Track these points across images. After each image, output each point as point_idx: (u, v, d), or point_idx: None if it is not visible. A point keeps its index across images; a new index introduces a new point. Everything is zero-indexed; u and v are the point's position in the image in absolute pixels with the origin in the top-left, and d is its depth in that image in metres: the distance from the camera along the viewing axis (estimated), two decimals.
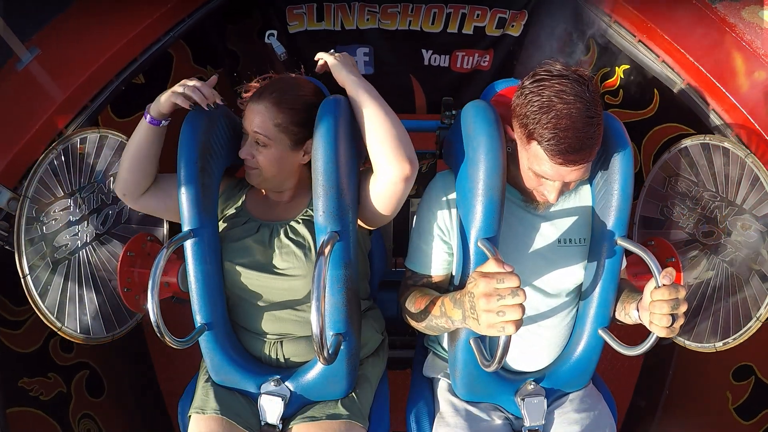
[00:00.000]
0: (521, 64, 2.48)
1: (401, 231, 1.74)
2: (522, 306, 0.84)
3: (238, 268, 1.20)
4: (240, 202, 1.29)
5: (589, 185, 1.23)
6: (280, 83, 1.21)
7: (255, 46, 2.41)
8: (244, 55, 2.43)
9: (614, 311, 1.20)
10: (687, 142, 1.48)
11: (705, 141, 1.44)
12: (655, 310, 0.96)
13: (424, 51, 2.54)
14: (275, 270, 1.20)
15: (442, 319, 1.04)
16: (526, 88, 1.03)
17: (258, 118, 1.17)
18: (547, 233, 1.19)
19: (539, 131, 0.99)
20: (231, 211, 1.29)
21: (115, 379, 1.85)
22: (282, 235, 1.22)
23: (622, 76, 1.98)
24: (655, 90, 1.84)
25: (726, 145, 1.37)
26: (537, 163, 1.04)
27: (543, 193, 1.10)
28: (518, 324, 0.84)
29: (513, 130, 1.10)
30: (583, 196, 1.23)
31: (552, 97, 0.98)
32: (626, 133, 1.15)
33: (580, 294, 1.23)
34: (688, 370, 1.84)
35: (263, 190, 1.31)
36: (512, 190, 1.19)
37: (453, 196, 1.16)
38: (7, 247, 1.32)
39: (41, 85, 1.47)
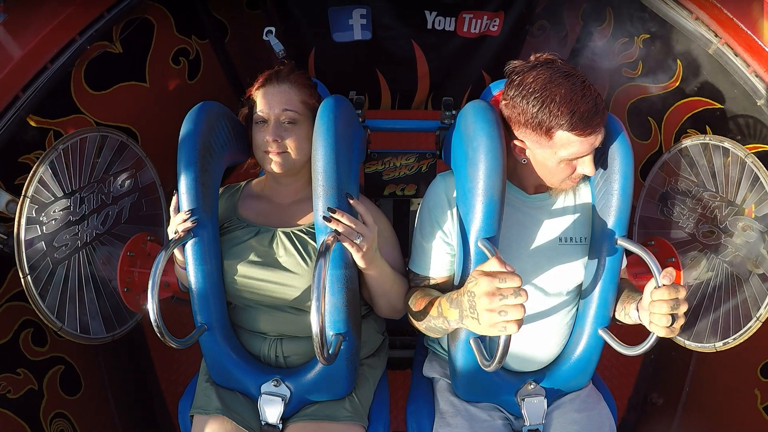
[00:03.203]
0: (535, 30, 2.23)
1: (401, 231, 1.74)
2: (524, 306, 0.84)
3: (238, 268, 1.20)
4: (231, 210, 1.29)
5: (588, 184, 1.23)
6: (289, 65, 1.27)
7: (243, 16, 2.24)
8: (231, 25, 2.25)
9: (614, 311, 1.20)
10: (687, 142, 1.48)
11: (705, 141, 1.44)
12: (654, 310, 0.96)
13: (427, 13, 2.27)
14: (276, 271, 1.20)
15: (439, 320, 1.04)
16: (515, 97, 1.05)
17: (284, 97, 1.20)
18: (548, 231, 1.19)
19: (555, 120, 1.01)
20: (224, 217, 1.29)
21: (95, 374, 1.76)
22: (285, 241, 1.21)
23: (642, 47, 1.83)
24: (678, 61, 1.69)
25: (726, 145, 1.37)
26: (567, 148, 1.04)
27: (576, 178, 1.12)
28: (519, 324, 0.85)
29: (520, 141, 1.10)
30: (583, 195, 1.23)
31: (544, 88, 1.01)
32: (626, 132, 1.15)
33: (580, 293, 1.23)
34: (710, 364, 1.74)
35: (261, 195, 1.31)
36: (514, 188, 1.20)
37: (454, 196, 1.16)
38: (6, 251, 1.29)
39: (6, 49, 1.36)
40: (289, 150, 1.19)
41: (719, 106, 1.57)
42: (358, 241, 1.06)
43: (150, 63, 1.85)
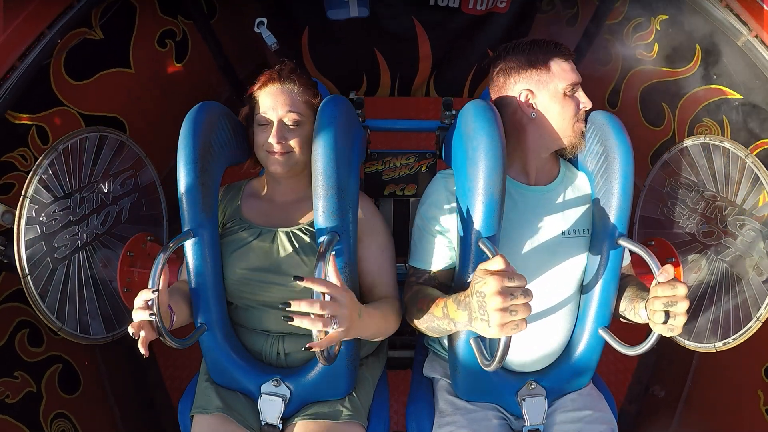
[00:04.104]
0: (544, 6, 2.13)
1: (401, 231, 1.74)
2: (530, 304, 0.84)
3: (240, 270, 1.20)
4: (234, 210, 1.29)
5: (588, 181, 1.23)
6: (288, 65, 1.25)
7: None
8: (221, 3, 2.12)
9: (616, 310, 1.20)
10: (687, 142, 1.48)
11: (705, 141, 1.44)
12: (649, 307, 0.96)
13: None
14: (277, 272, 1.20)
15: (444, 321, 1.03)
16: (506, 56, 1.21)
17: (288, 99, 1.19)
18: (552, 225, 1.19)
19: (546, 53, 1.17)
20: (227, 218, 1.28)
21: (93, 372, 1.73)
22: (285, 241, 1.21)
23: (659, 28, 1.75)
24: (698, 46, 1.61)
25: (726, 145, 1.37)
26: (563, 77, 1.16)
27: (581, 120, 1.20)
28: (525, 322, 0.84)
29: (527, 90, 1.18)
30: (583, 189, 1.24)
31: (527, 41, 1.20)
32: (626, 132, 1.15)
33: (581, 293, 1.23)
34: (713, 361, 1.67)
35: (262, 195, 1.31)
36: (514, 181, 1.20)
37: (453, 194, 1.16)
38: (5, 261, 1.27)
39: None
40: (294, 150, 1.19)
41: (738, 96, 1.52)
42: (334, 329, 0.88)
43: (134, 47, 1.75)
